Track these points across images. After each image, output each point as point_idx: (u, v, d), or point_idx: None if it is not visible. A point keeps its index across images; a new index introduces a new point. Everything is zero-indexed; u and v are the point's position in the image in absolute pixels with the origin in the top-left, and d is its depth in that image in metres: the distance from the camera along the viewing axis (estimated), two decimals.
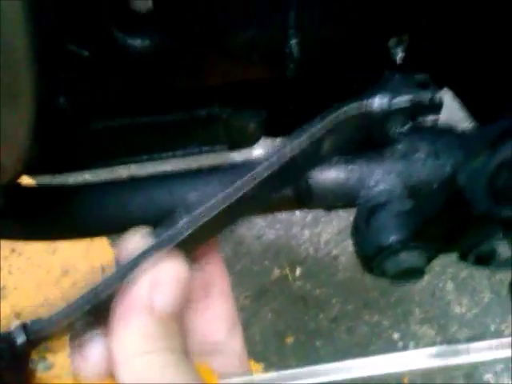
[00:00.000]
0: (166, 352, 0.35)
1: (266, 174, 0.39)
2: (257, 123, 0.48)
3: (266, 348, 1.29)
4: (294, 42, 0.39)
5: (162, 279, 0.36)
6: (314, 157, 0.41)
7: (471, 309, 1.36)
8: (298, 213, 1.43)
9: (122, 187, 0.47)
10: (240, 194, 0.38)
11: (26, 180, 0.46)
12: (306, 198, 0.46)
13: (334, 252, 1.42)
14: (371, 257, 0.42)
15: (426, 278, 1.36)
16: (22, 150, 0.34)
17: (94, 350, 0.37)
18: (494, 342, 0.39)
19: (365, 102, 0.41)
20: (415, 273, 0.43)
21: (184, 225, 0.38)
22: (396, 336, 1.31)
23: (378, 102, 0.41)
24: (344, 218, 1.42)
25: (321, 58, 0.42)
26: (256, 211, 0.44)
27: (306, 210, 0.51)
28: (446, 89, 0.49)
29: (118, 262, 0.38)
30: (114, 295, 0.37)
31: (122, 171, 0.65)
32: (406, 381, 1.23)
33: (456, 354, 0.40)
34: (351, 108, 0.41)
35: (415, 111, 0.43)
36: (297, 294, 1.36)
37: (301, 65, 0.40)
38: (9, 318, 1.20)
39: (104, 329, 0.37)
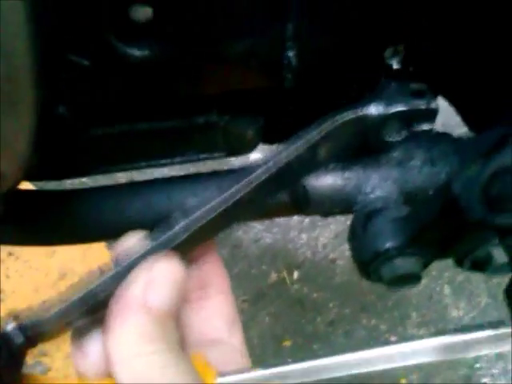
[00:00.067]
0: (165, 351, 0.35)
1: (262, 179, 0.39)
2: (254, 130, 0.48)
3: (263, 351, 1.29)
4: (291, 52, 0.39)
5: (157, 278, 0.37)
6: (309, 162, 0.42)
7: (468, 312, 1.37)
8: (295, 217, 1.44)
9: (120, 192, 0.47)
10: (236, 198, 0.39)
11: (25, 185, 0.46)
12: (303, 204, 0.46)
13: (332, 256, 1.43)
14: (368, 262, 0.43)
15: (423, 281, 1.36)
16: (22, 158, 0.34)
17: (94, 349, 0.38)
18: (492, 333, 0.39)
19: (361, 109, 0.41)
20: (411, 278, 0.43)
21: (181, 228, 0.38)
22: (393, 340, 1.31)
23: (374, 110, 0.42)
24: (341, 222, 1.43)
25: (318, 68, 0.43)
26: (252, 215, 0.45)
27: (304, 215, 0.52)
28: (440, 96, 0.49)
29: (114, 264, 0.38)
30: (111, 296, 0.37)
31: (121, 176, 0.65)
32: (403, 381, 1.23)
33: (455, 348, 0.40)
34: (347, 115, 0.41)
35: (411, 119, 0.43)
36: (294, 298, 1.37)
37: (299, 75, 0.41)
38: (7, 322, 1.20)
39: (102, 328, 0.38)
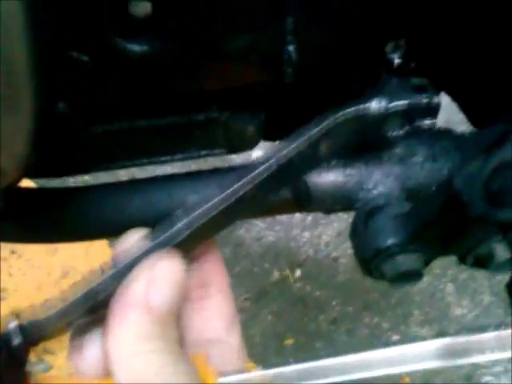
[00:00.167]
0: (164, 351, 0.35)
1: (264, 176, 0.39)
2: (255, 126, 0.48)
3: (265, 350, 1.29)
4: (291, 47, 0.39)
5: (158, 277, 0.36)
6: (311, 159, 0.42)
7: (471, 310, 1.36)
8: (297, 215, 1.44)
9: (121, 190, 0.47)
10: (238, 196, 0.39)
11: (26, 182, 0.46)
12: (305, 201, 0.46)
13: (334, 254, 1.42)
14: (369, 259, 0.42)
15: (426, 279, 1.36)
16: (22, 156, 0.34)
17: (92, 350, 0.37)
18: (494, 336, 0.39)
19: (362, 105, 0.41)
20: (413, 275, 0.43)
21: (182, 226, 0.38)
22: (396, 338, 1.31)
23: (375, 106, 0.41)
24: (344, 220, 1.42)
25: (318, 63, 0.43)
26: (254, 212, 0.44)
27: (306, 213, 0.52)
28: (443, 93, 0.49)
29: (115, 262, 0.38)
30: (112, 295, 0.37)
31: (122, 174, 0.65)
32: (407, 380, 1.23)
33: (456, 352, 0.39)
34: (348, 111, 0.41)
35: (412, 114, 0.43)
36: (296, 296, 1.37)
37: (299, 69, 0.41)
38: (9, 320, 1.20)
39: (102, 328, 0.37)
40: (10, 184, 0.37)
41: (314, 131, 0.40)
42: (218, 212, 0.39)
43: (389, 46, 0.43)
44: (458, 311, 1.36)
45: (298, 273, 1.39)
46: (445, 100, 0.48)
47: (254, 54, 0.40)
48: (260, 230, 1.44)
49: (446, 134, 0.46)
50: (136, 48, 0.36)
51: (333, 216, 1.40)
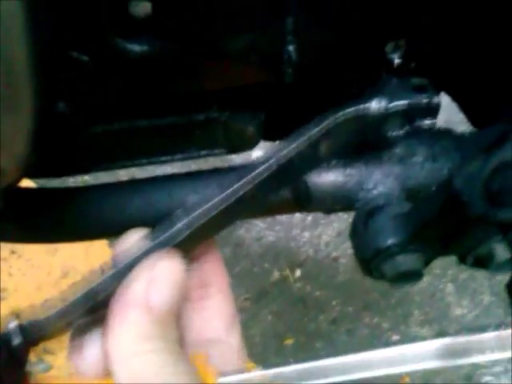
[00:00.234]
0: (164, 351, 0.35)
1: (264, 176, 0.39)
2: (255, 126, 0.48)
3: (265, 350, 1.29)
4: (291, 47, 0.39)
5: (158, 277, 0.36)
6: (311, 159, 0.42)
7: (471, 310, 1.36)
8: (297, 215, 1.44)
9: (121, 190, 0.47)
10: (238, 196, 0.39)
11: (26, 182, 0.46)
12: (305, 201, 0.46)
13: (334, 254, 1.42)
14: (369, 259, 0.42)
15: (426, 279, 1.36)
16: (21, 156, 0.34)
17: (92, 350, 0.37)
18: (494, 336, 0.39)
19: (362, 105, 0.41)
20: (413, 275, 0.43)
21: (182, 226, 0.38)
22: (396, 338, 1.31)
23: (375, 106, 0.41)
24: (344, 220, 1.42)
25: (319, 63, 0.43)
26: (254, 212, 0.44)
27: (306, 213, 0.52)
28: (443, 93, 0.49)
29: (115, 262, 0.38)
30: (112, 295, 0.37)
31: (123, 174, 0.65)
32: (407, 380, 1.23)
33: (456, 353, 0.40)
34: (348, 110, 0.41)
35: (412, 114, 0.43)
36: (296, 296, 1.37)
37: (299, 69, 0.41)
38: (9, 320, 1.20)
39: (102, 328, 0.37)
40: (10, 184, 0.37)
41: (314, 131, 0.40)
42: (217, 212, 0.39)
43: (389, 46, 0.43)
44: (458, 311, 1.36)
45: (298, 273, 1.39)
46: (445, 100, 0.48)
47: (254, 54, 0.40)
48: (260, 230, 1.44)
49: (446, 133, 0.46)
50: (136, 48, 0.36)
51: (333, 216, 1.40)
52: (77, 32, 0.35)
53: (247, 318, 1.31)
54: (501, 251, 0.41)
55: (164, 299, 0.36)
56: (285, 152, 0.40)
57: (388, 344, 0.40)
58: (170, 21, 0.36)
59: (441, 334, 0.40)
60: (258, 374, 0.39)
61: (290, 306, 1.35)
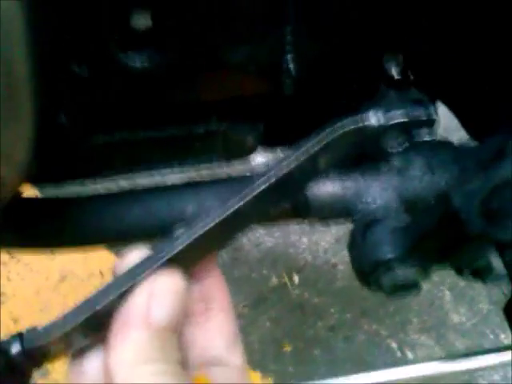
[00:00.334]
0: (166, 373, 0.34)
1: (263, 189, 0.39)
2: (254, 136, 0.48)
3: (263, 356, 1.29)
4: (290, 57, 0.39)
5: (159, 293, 0.36)
6: (310, 171, 0.42)
7: (469, 318, 1.36)
8: None
9: (121, 199, 0.47)
10: (237, 208, 0.39)
11: (26, 191, 0.46)
12: (304, 211, 0.46)
13: (333, 260, 1.42)
14: (368, 272, 0.42)
15: (425, 287, 1.35)
16: (22, 165, 0.34)
17: (92, 365, 0.37)
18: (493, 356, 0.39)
19: (360, 117, 0.41)
20: (412, 287, 0.43)
21: (182, 239, 0.38)
22: (394, 345, 1.31)
23: (374, 118, 0.41)
24: (342, 226, 1.42)
25: (317, 73, 0.43)
26: (253, 224, 0.44)
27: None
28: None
29: (116, 281, 0.38)
30: (110, 307, 0.37)
31: (122, 182, 0.65)
32: None
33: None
34: (347, 124, 0.41)
35: (410, 127, 0.43)
36: (295, 302, 1.36)
37: (297, 80, 0.41)
38: (8, 324, 1.20)
39: (101, 342, 0.37)
40: (9, 193, 0.37)
41: (313, 145, 0.40)
42: (217, 224, 0.39)
43: (386, 60, 0.43)
44: (456, 319, 1.36)
45: (296, 279, 1.39)
46: (442, 107, 0.48)
47: (253, 64, 0.41)
48: (259, 236, 1.43)
49: (445, 146, 0.46)
50: (136, 61, 0.37)
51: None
52: (78, 45, 0.35)
53: (245, 324, 1.31)
54: (498, 264, 0.41)
55: (165, 314, 0.36)
56: (284, 164, 0.40)
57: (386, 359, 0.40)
58: (170, 34, 0.36)
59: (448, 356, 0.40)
60: None
61: (288, 312, 1.35)
